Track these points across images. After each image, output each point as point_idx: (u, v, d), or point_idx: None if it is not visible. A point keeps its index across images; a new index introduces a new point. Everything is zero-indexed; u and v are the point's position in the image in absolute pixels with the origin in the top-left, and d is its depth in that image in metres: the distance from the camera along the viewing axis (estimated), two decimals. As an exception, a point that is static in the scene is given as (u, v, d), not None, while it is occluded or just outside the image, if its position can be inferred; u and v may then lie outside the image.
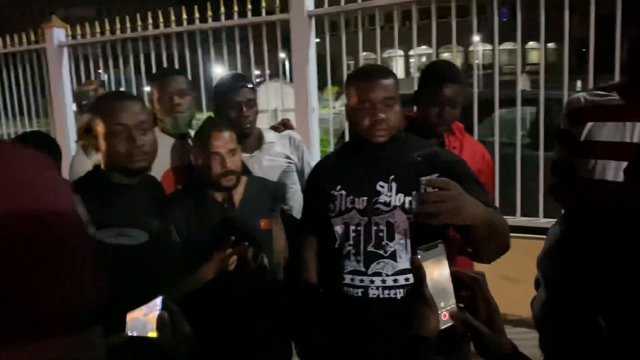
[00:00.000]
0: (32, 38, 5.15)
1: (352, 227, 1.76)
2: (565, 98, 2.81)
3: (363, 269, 1.74)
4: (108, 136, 1.59)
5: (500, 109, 3.41)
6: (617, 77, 2.71)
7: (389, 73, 1.82)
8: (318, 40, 3.85)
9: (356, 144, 1.88)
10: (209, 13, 4.09)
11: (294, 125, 3.39)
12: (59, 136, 5.18)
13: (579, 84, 5.61)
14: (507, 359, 0.80)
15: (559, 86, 3.18)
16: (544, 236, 0.69)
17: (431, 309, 0.82)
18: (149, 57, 4.41)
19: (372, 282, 1.72)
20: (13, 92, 5.51)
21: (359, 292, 1.74)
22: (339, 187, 1.80)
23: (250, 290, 1.89)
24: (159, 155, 1.77)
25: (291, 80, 4.09)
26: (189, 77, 2.69)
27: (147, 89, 3.60)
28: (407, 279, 1.69)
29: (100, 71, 4.87)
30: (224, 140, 1.90)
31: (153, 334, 1.05)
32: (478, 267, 2.28)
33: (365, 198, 1.76)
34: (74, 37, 4.96)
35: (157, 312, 1.06)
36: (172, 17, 4.28)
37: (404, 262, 1.69)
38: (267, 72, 4.18)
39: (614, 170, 1.74)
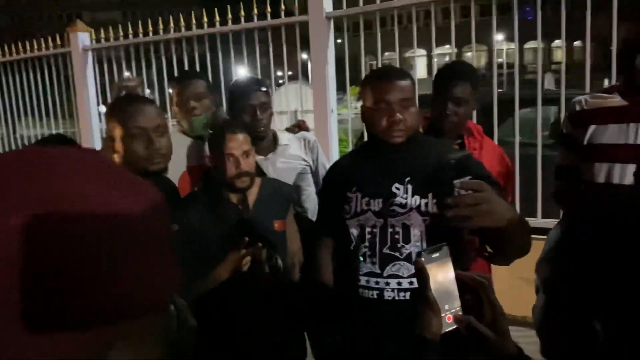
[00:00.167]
0: (58, 42, 5.27)
1: (368, 229, 1.76)
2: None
3: (378, 271, 1.73)
4: (126, 139, 1.62)
5: (524, 109, 3.37)
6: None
7: (406, 74, 1.82)
8: (340, 40, 3.85)
9: (372, 145, 1.87)
10: (229, 16, 4.13)
11: (312, 126, 3.40)
12: (83, 137, 5.29)
13: (606, 82, 5.54)
14: None
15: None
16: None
17: (434, 312, 0.82)
18: (171, 59, 4.47)
19: (387, 284, 1.72)
20: (40, 95, 5.64)
21: (374, 294, 1.74)
22: (354, 188, 1.80)
23: (263, 290, 1.91)
24: (178, 157, 1.80)
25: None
26: (210, 79, 2.72)
27: (170, 91, 3.67)
28: None
29: (127, 73, 4.95)
30: (238, 142, 1.92)
31: None
32: (498, 269, 2.26)
33: (380, 200, 1.75)
34: (98, 40, 5.05)
35: None
36: (193, 20, 4.33)
37: None
38: (287, 73, 4.21)
39: (619, 173, 1.71)
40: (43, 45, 5.38)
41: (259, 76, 4.04)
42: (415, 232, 1.72)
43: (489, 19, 3.31)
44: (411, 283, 1.69)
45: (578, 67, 3.10)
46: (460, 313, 0.83)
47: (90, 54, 5.13)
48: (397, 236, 1.73)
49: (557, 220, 2.75)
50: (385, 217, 1.74)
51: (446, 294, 0.84)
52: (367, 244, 1.76)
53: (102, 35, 4.97)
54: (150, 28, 4.58)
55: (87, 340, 0.41)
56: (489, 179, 1.71)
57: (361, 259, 1.76)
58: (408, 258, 1.70)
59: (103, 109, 4.75)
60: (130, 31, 4.70)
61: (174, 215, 1.77)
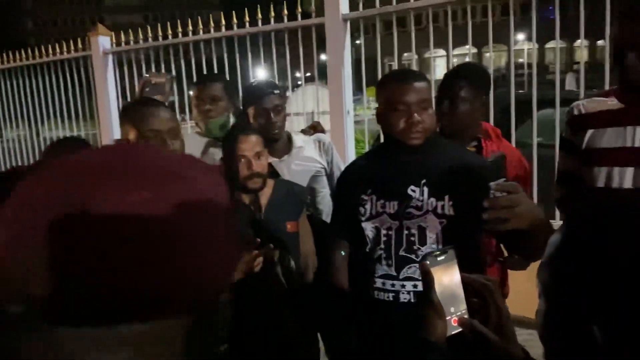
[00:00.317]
0: (80, 46, 5.37)
1: (383, 231, 1.76)
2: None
3: (394, 274, 1.73)
4: (140, 142, 1.65)
5: (546, 110, 3.33)
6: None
7: (422, 76, 1.82)
8: (359, 41, 3.85)
9: (388, 147, 1.87)
10: (247, 18, 4.16)
11: (327, 128, 3.41)
12: (104, 139, 5.38)
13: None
14: None
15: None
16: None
17: (438, 315, 0.82)
18: (191, 62, 4.52)
19: (403, 286, 1.72)
20: (62, 97, 5.75)
21: (390, 296, 1.74)
22: (369, 190, 1.80)
23: (275, 291, 1.92)
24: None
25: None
26: (226, 81, 2.76)
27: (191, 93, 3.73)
28: None
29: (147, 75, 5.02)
30: (250, 144, 1.94)
31: None
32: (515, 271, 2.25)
33: (396, 202, 1.75)
34: (118, 44, 5.13)
35: None
36: (212, 23, 4.38)
37: None
38: (304, 75, 4.23)
39: (617, 177, 1.68)
40: (65, 49, 5.48)
41: (276, 78, 4.07)
42: (432, 235, 1.71)
43: (507, 19, 3.28)
44: None
45: (602, 67, 3.04)
46: (466, 316, 0.83)
47: (110, 57, 5.22)
48: (413, 238, 1.73)
49: (575, 222, 2.70)
50: (401, 219, 1.74)
51: (452, 297, 0.84)
52: (382, 246, 1.76)
53: (122, 38, 5.05)
54: (170, 31, 4.64)
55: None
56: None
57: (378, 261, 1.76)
58: None
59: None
60: (150, 34, 4.77)
61: None
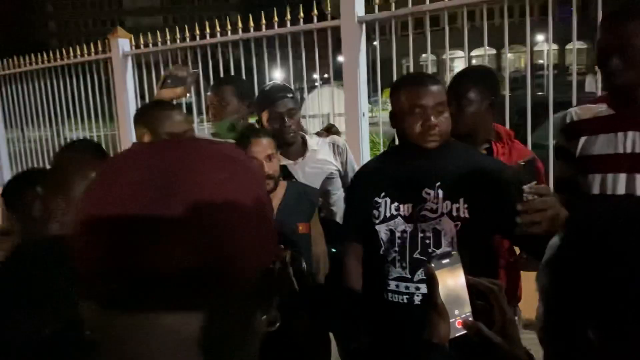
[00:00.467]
0: (100, 48, 5.46)
1: (398, 234, 1.76)
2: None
3: (409, 276, 1.74)
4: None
5: (564, 111, 3.29)
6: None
7: (438, 80, 1.84)
8: (376, 43, 3.85)
9: (402, 150, 1.88)
10: (263, 21, 4.19)
11: (342, 130, 3.42)
12: (123, 139, 5.46)
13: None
14: None
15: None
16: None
17: (442, 317, 0.83)
18: (207, 64, 4.58)
19: (417, 289, 1.72)
20: (82, 99, 5.84)
21: (404, 298, 1.75)
22: (382, 193, 1.81)
23: (287, 292, 1.94)
24: None
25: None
26: (238, 84, 2.80)
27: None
28: None
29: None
30: (262, 146, 1.97)
31: None
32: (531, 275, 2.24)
33: (410, 205, 1.76)
34: (137, 46, 5.21)
35: None
36: (229, 26, 4.42)
37: None
38: (319, 77, 4.24)
39: (611, 184, 1.66)
40: (85, 51, 5.58)
41: (292, 80, 4.10)
42: (447, 237, 1.71)
43: (531, 18, 3.25)
44: None
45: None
46: (470, 318, 0.84)
47: (129, 59, 5.29)
48: (427, 241, 1.73)
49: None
50: (416, 222, 1.74)
51: (456, 300, 0.85)
52: (397, 248, 1.76)
53: (141, 41, 5.13)
54: (188, 33, 4.70)
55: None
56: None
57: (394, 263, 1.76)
58: None
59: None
60: (168, 37, 4.83)
61: None
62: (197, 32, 4.62)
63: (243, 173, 0.53)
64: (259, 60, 4.32)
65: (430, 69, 3.75)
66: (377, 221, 1.80)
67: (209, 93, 2.75)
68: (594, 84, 8.74)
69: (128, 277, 0.46)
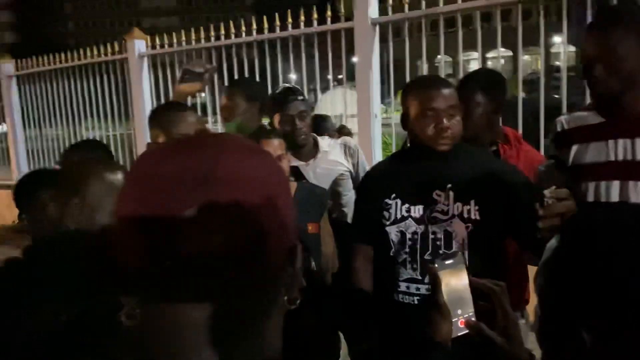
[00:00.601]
0: (116, 49, 5.53)
1: (408, 235, 1.77)
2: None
3: (419, 277, 1.74)
4: None
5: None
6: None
7: (450, 83, 1.84)
8: (392, 43, 3.85)
9: (413, 152, 1.88)
10: (277, 22, 4.22)
11: (355, 131, 3.43)
12: (138, 139, 5.52)
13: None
14: None
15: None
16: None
17: (444, 316, 0.84)
18: (222, 65, 4.62)
19: (428, 290, 1.72)
20: (99, 99, 5.92)
21: (415, 300, 1.75)
22: (393, 195, 1.81)
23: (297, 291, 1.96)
24: None
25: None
26: (248, 86, 2.84)
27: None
28: None
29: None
30: (272, 147, 1.99)
31: None
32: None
33: (421, 206, 1.77)
34: (153, 47, 5.27)
35: None
36: (243, 27, 4.46)
37: None
38: (333, 77, 4.26)
39: (604, 191, 1.66)
40: (102, 51, 5.66)
41: (305, 81, 4.12)
42: (458, 239, 1.72)
43: (548, 20, 3.23)
44: None
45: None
46: (473, 319, 0.85)
47: (145, 59, 5.36)
48: (438, 242, 1.74)
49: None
50: (426, 223, 1.75)
51: (459, 299, 0.86)
52: (407, 250, 1.77)
53: (157, 41, 5.19)
54: (203, 35, 4.74)
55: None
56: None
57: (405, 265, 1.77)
58: None
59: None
60: (184, 38, 4.89)
61: None
62: (212, 33, 4.66)
63: (268, 161, 0.58)
64: (273, 62, 4.34)
65: (445, 71, 3.75)
66: (387, 222, 1.80)
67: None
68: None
69: (173, 265, 0.50)
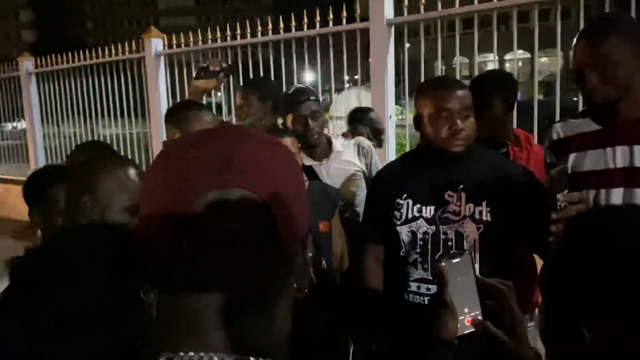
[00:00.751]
0: (134, 47, 5.59)
1: (420, 236, 1.77)
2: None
3: (430, 278, 1.74)
4: None
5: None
6: None
7: (464, 84, 1.84)
8: (409, 45, 3.84)
9: (425, 153, 1.88)
10: (293, 22, 4.24)
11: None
12: (154, 137, 5.57)
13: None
14: None
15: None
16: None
17: (450, 314, 0.85)
18: (237, 64, 4.65)
19: None
20: (116, 97, 5.99)
21: (425, 300, 1.75)
22: (404, 195, 1.81)
23: (307, 290, 1.96)
24: None
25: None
26: (260, 86, 2.87)
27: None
28: None
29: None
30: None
31: None
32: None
33: (432, 207, 1.76)
34: (170, 46, 5.31)
35: None
36: (259, 27, 4.48)
37: None
38: (348, 78, 4.27)
39: (604, 199, 1.64)
40: (120, 50, 5.72)
41: (320, 81, 4.13)
42: (469, 240, 1.72)
43: (568, 22, 3.21)
44: None
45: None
46: (479, 317, 0.86)
47: (162, 58, 5.40)
48: (449, 243, 1.73)
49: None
50: (438, 224, 1.75)
51: (466, 298, 0.87)
52: (418, 250, 1.77)
53: (174, 41, 5.24)
54: (219, 34, 4.78)
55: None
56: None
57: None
58: None
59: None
60: (200, 37, 4.93)
61: None
62: (228, 33, 4.70)
63: (284, 153, 0.61)
64: (289, 61, 4.36)
65: (462, 72, 3.74)
66: (398, 222, 1.80)
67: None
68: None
69: (189, 245, 0.53)
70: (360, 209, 2.48)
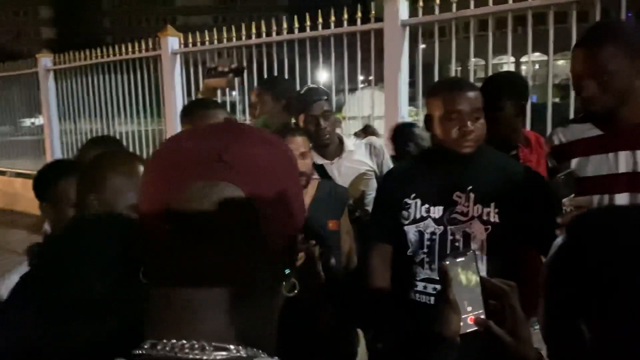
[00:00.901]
0: (150, 45, 5.64)
1: (427, 236, 1.78)
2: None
3: (437, 277, 1.75)
4: None
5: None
6: None
7: (475, 86, 1.84)
8: (423, 46, 3.84)
9: (435, 154, 1.89)
10: (307, 22, 4.26)
11: (380, 132, 3.44)
12: (169, 135, 5.60)
13: None
14: None
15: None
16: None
17: (453, 312, 0.86)
18: (252, 63, 4.68)
19: None
20: (132, 94, 6.05)
21: (431, 299, 1.76)
22: (413, 195, 1.82)
23: (316, 287, 1.98)
24: None
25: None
26: (274, 85, 2.90)
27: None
28: None
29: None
30: (296, 144, 2.02)
31: None
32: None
33: (441, 207, 1.77)
34: (186, 45, 5.36)
35: None
36: (274, 27, 4.51)
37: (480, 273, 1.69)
38: (362, 78, 4.27)
39: (608, 203, 1.64)
40: (137, 48, 5.78)
41: (334, 81, 4.14)
42: (476, 241, 1.72)
43: (586, 24, 3.18)
44: None
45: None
46: (482, 316, 0.87)
47: (178, 57, 5.45)
48: (457, 244, 1.74)
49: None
50: (446, 224, 1.75)
51: (469, 297, 0.87)
52: (425, 250, 1.77)
53: (190, 39, 5.28)
54: (234, 33, 4.81)
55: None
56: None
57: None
58: None
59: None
60: (216, 36, 4.96)
61: None
62: (244, 32, 4.73)
63: (281, 154, 0.62)
64: (303, 61, 4.38)
65: (476, 74, 3.72)
66: (406, 222, 1.81)
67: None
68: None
69: (179, 232, 0.55)
70: (371, 208, 2.49)
